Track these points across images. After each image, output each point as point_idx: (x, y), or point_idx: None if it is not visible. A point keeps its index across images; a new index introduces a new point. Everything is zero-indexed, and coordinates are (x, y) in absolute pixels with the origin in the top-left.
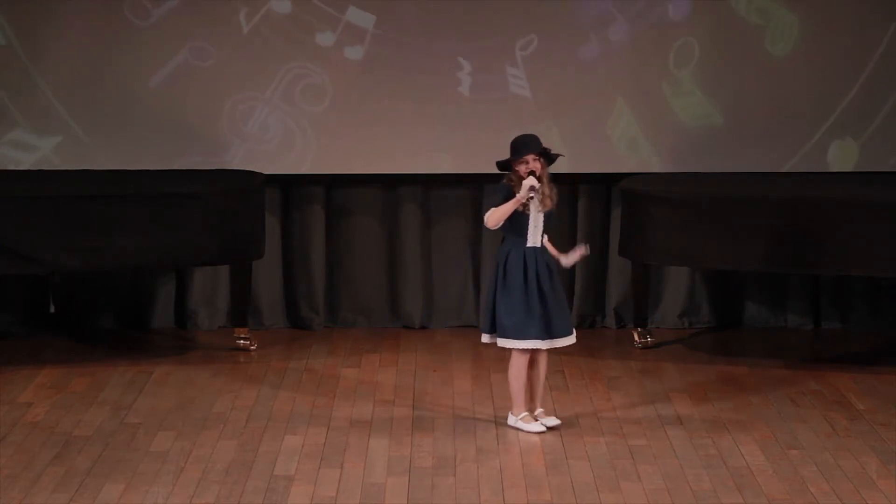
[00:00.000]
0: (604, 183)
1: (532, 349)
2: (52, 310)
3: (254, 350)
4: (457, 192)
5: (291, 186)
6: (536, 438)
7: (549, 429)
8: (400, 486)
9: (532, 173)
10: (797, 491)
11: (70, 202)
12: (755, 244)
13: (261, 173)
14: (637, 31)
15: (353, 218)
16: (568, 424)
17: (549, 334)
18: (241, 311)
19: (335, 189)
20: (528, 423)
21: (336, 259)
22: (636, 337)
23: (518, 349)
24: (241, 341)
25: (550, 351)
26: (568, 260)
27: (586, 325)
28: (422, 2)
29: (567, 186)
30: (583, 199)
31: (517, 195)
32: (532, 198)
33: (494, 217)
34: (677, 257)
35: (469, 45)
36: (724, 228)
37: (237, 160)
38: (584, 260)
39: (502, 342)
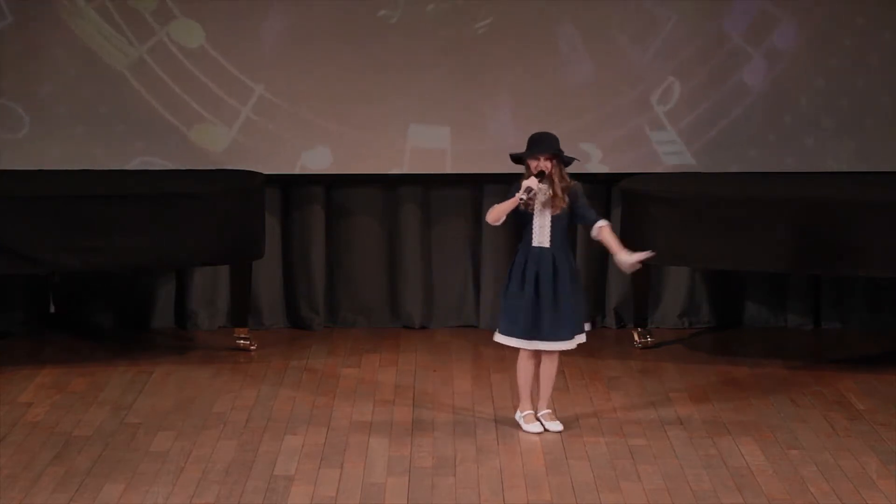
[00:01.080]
0: (604, 183)
1: (532, 349)
2: (52, 310)
3: (254, 350)
4: (457, 192)
5: (291, 186)
6: (536, 438)
7: (549, 432)
8: (400, 486)
9: (542, 173)
10: (797, 491)
11: (70, 202)
12: (755, 244)
13: (261, 173)
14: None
15: (353, 218)
16: (568, 424)
17: (534, 336)
18: (241, 311)
19: (335, 189)
20: (528, 423)
21: (336, 259)
22: (636, 337)
23: (519, 347)
24: (241, 341)
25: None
26: (628, 259)
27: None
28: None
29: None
30: None
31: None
32: (524, 199)
33: (492, 214)
34: (677, 257)
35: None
36: (724, 228)
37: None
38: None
39: (495, 336)
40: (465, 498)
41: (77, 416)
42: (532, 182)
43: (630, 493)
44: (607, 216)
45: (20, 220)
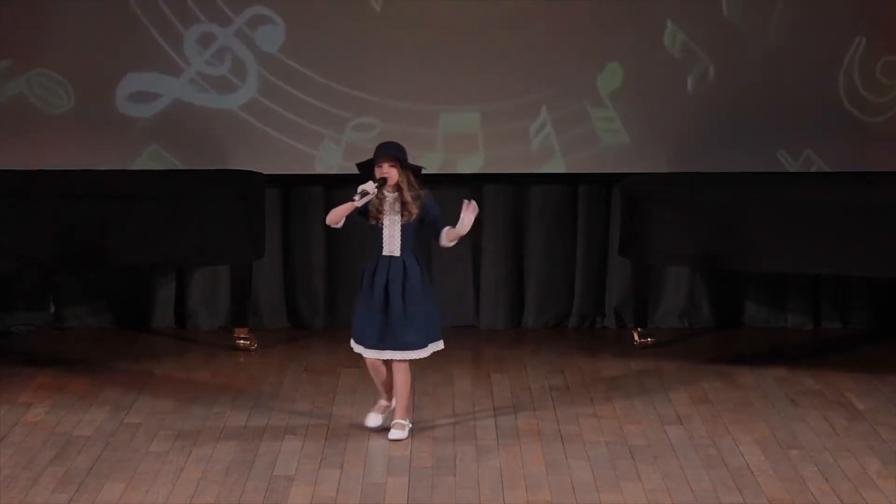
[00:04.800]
0: (604, 183)
1: (382, 359)
2: (52, 310)
3: (254, 350)
4: (457, 192)
5: (291, 186)
6: (536, 438)
7: (389, 439)
8: (400, 486)
9: (383, 180)
10: (797, 491)
11: (70, 202)
12: (755, 244)
13: (261, 173)
14: None
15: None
16: (568, 424)
17: (381, 345)
18: (241, 311)
19: (335, 189)
20: (372, 412)
21: (336, 259)
22: (636, 337)
23: (367, 357)
24: (241, 341)
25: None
26: (464, 224)
27: (586, 325)
28: None
29: (567, 186)
30: (583, 199)
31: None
32: (356, 199)
33: (331, 214)
34: (677, 257)
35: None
36: (725, 228)
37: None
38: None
39: (352, 343)
40: (465, 498)
41: (77, 416)
42: (368, 186)
43: (630, 493)
44: (607, 216)
45: (20, 220)
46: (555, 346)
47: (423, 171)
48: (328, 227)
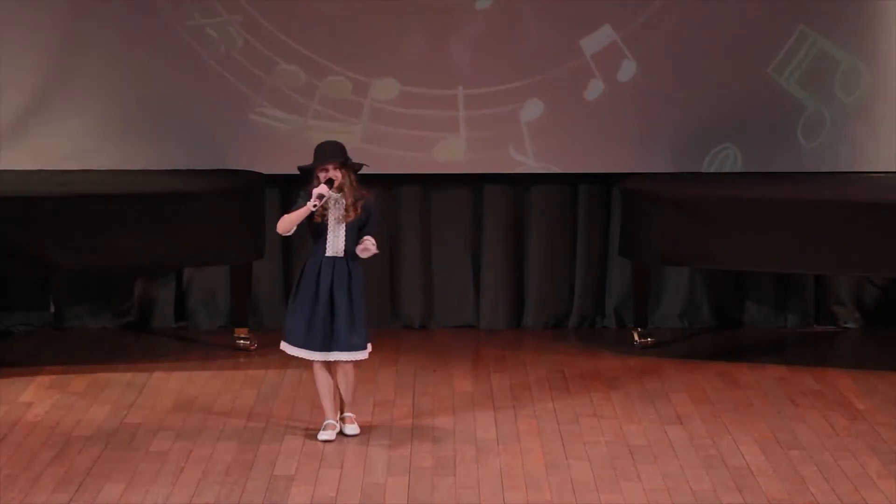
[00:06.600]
0: (604, 183)
1: (328, 361)
2: (52, 310)
3: (254, 350)
4: (457, 192)
5: (291, 186)
6: (536, 438)
7: (346, 435)
8: (400, 486)
9: (330, 181)
10: (797, 491)
11: (70, 202)
12: (755, 244)
13: (261, 173)
14: None
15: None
16: (568, 424)
17: (328, 347)
18: (241, 311)
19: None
20: (323, 431)
21: None
22: (636, 337)
23: (313, 360)
24: (241, 341)
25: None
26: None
27: (586, 325)
28: None
29: (567, 186)
30: (583, 199)
31: (307, 203)
32: (316, 205)
33: (282, 223)
34: (677, 257)
35: None
36: (724, 228)
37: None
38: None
39: (283, 346)
40: (465, 498)
41: (77, 416)
42: (323, 189)
43: (630, 493)
44: (607, 216)
45: (20, 220)
46: (555, 346)
47: (365, 169)
48: None
